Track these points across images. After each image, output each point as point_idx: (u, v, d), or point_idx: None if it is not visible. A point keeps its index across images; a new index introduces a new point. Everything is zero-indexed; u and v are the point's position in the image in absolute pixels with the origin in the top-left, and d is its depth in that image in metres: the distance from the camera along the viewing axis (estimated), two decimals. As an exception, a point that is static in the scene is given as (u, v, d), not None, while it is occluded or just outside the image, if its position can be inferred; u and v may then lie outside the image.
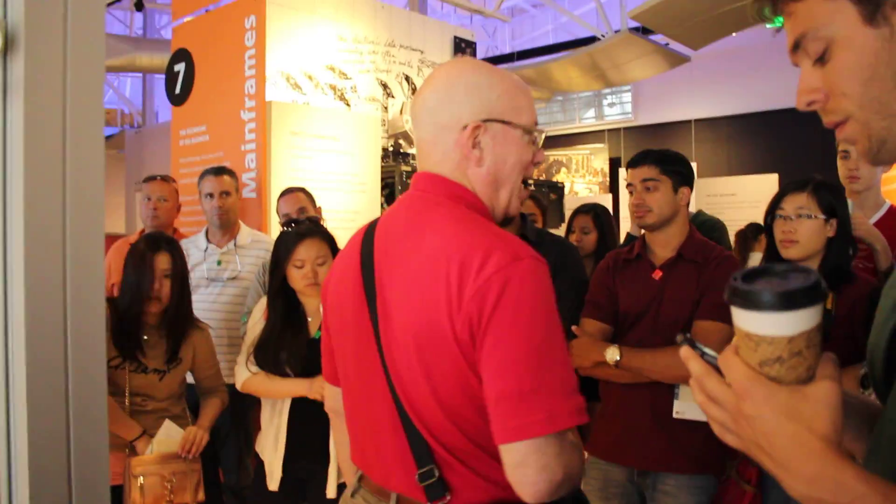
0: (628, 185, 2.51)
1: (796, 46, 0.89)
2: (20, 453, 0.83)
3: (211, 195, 3.60)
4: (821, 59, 0.87)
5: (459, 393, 1.25)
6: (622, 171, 9.96)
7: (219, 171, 3.66)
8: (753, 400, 0.79)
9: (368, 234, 1.42)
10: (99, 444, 0.92)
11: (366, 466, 1.43)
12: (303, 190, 3.64)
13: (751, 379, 0.79)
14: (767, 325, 0.77)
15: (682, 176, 2.46)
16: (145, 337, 2.68)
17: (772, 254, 2.52)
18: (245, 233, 3.71)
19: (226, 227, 3.65)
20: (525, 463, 1.20)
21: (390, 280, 1.32)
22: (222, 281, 3.57)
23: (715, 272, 2.36)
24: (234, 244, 3.65)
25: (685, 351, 0.87)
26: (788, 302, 0.76)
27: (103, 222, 0.89)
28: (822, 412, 0.77)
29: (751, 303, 0.78)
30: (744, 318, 0.80)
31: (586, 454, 2.58)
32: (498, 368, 1.20)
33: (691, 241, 2.46)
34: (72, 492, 0.84)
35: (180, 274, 2.72)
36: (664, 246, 2.48)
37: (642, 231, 2.57)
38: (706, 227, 3.28)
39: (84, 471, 0.87)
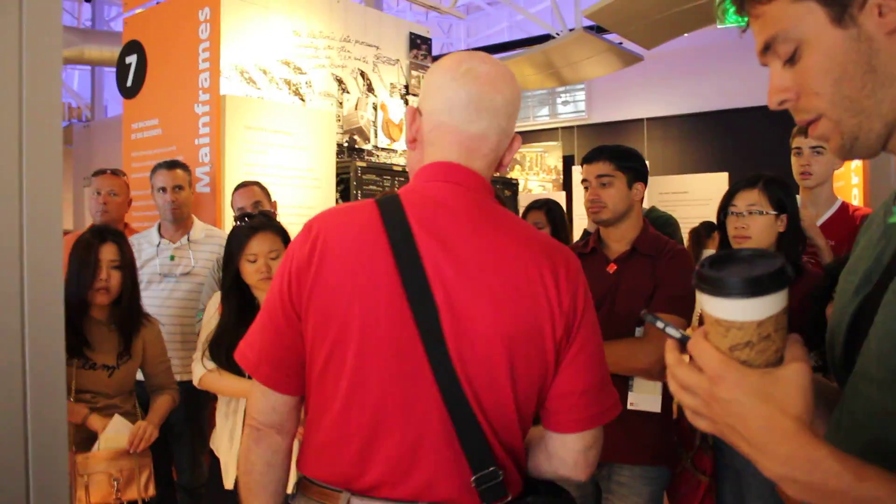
0: (583, 181, 2.54)
1: (766, 48, 0.92)
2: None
3: (164, 189, 3.55)
4: (790, 60, 0.90)
5: (536, 392, 1.32)
6: (576, 169, 10.06)
7: (172, 165, 3.61)
8: (726, 384, 0.81)
9: (394, 220, 1.30)
10: (58, 447, 0.91)
11: (378, 479, 1.28)
12: (257, 184, 3.60)
13: (723, 363, 0.81)
14: (737, 311, 0.80)
15: (636, 172, 2.50)
16: (94, 332, 2.63)
17: (725, 248, 2.58)
18: (199, 227, 3.66)
19: (179, 221, 3.60)
20: (593, 446, 1.35)
21: (458, 275, 1.27)
22: (175, 277, 3.53)
23: (669, 265, 2.41)
24: (188, 239, 3.60)
25: (669, 343, 0.89)
26: (757, 287, 0.78)
27: (61, 217, 0.89)
28: (794, 393, 0.79)
29: (720, 289, 0.80)
30: (713, 305, 0.82)
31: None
32: (587, 363, 1.33)
33: (645, 236, 2.51)
34: (30, 494, 0.84)
35: (129, 265, 2.68)
36: (619, 240, 2.53)
37: (596, 226, 2.61)
38: (659, 223, 3.34)
39: (42, 474, 0.86)
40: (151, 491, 2.52)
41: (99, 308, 2.63)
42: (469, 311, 1.26)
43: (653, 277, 2.41)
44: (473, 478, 1.25)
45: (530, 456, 1.41)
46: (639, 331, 2.39)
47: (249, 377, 2.49)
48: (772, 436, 0.78)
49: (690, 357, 0.86)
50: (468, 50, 1.50)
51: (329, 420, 1.30)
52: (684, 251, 2.50)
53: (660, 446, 2.45)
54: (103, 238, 2.61)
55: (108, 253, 2.59)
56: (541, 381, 1.32)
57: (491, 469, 1.26)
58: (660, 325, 0.89)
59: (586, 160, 2.56)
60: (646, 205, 3.51)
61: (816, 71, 0.87)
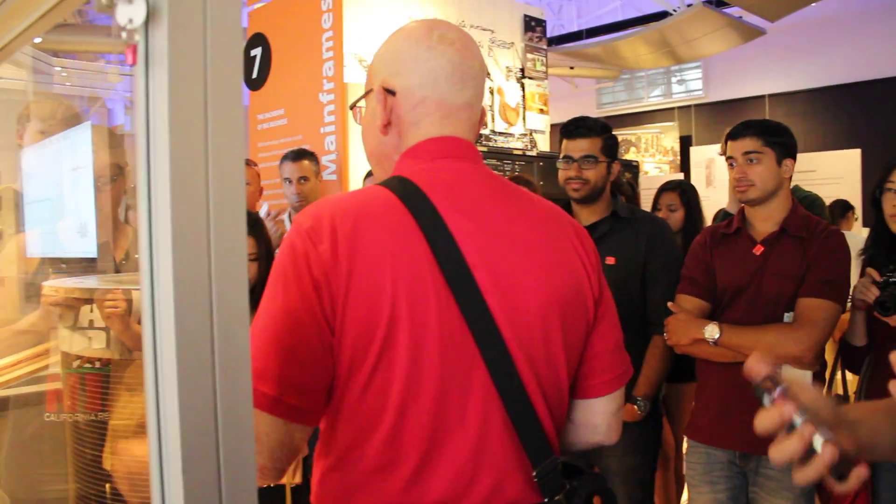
0: (728, 158, 2.41)
1: None
2: (171, 433, 0.83)
3: (289, 180, 3.63)
4: None
5: (579, 355, 1.26)
6: (694, 150, 9.74)
7: (298, 156, 3.67)
8: None
9: (419, 206, 1.14)
10: (244, 413, 0.92)
11: (443, 494, 1.12)
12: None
13: None
14: None
15: (785, 147, 2.37)
16: None
17: (880, 229, 2.41)
18: None
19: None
20: (622, 406, 1.32)
21: (497, 252, 1.16)
22: None
23: (821, 247, 2.27)
24: None
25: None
26: None
27: (244, 190, 0.88)
28: None
29: None
30: None
31: (685, 438, 2.52)
32: (612, 320, 1.30)
33: (795, 216, 2.36)
34: (220, 468, 0.84)
35: (265, 255, 2.73)
36: (766, 220, 2.39)
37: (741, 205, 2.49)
38: (805, 204, 3.16)
39: (230, 438, 0.87)
40: (298, 479, 2.56)
41: None
42: (517, 287, 1.16)
43: (804, 260, 2.28)
44: (535, 472, 1.14)
45: (574, 427, 1.33)
46: (787, 316, 2.27)
47: None
48: None
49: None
50: (434, 19, 1.37)
51: (376, 443, 1.11)
52: (838, 232, 2.35)
53: None
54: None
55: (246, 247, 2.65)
56: (583, 343, 1.26)
57: (550, 460, 1.15)
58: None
59: (731, 136, 2.42)
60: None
61: None
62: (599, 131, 2.74)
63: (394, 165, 1.27)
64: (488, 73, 5.56)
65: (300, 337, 1.07)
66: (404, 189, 1.16)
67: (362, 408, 1.10)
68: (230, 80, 0.90)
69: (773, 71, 11.33)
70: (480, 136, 5.42)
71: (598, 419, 1.30)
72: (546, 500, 1.14)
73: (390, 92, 1.25)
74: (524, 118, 5.88)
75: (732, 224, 2.47)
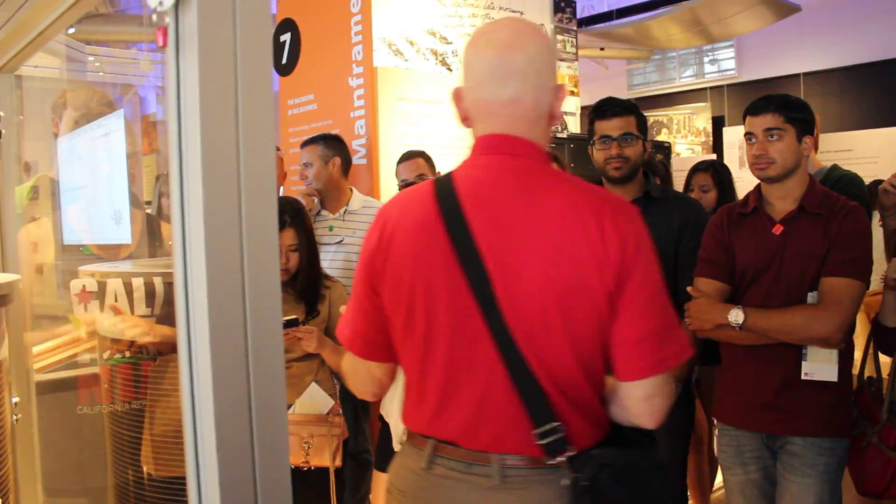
0: (747, 135, 2.35)
1: None
2: (206, 420, 0.84)
3: (302, 166, 3.78)
4: None
5: (596, 341, 1.36)
6: (727, 130, 9.61)
7: (307, 143, 3.79)
8: None
9: (445, 196, 1.40)
10: (278, 398, 0.92)
11: (455, 434, 1.41)
12: (423, 154, 3.66)
13: None
14: None
15: (806, 124, 2.31)
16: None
17: (915, 208, 2.37)
18: (357, 199, 3.76)
19: (325, 194, 3.74)
20: (657, 394, 1.37)
21: (507, 242, 1.34)
22: (332, 246, 3.63)
23: (843, 224, 2.22)
24: (346, 211, 3.71)
25: None
26: None
27: (274, 173, 0.88)
28: None
29: None
30: None
31: (715, 421, 2.50)
32: (642, 310, 1.35)
33: (813, 193, 2.31)
34: (254, 444, 0.85)
35: (307, 244, 2.76)
36: (784, 199, 2.34)
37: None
38: (843, 182, 3.10)
39: (264, 425, 0.87)
40: (339, 462, 2.59)
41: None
42: (518, 273, 1.33)
43: (825, 239, 2.23)
44: (535, 432, 1.33)
45: (609, 405, 1.44)
46: (811, 296, 2.23)
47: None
48: None
49: None
50: (502, 18, 1.54)
51: (412, 380, 1.47)
52: (859, 208, 2.29)
53: (835, 417, 2.28)
54: (283, 224, 2.68)
55: (287, 238, 2.68)
56: (601, 334, 1.36)
57: (551, 424, 1.33)
58: None
59: (751, 111, 2.36)
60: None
61: None
62: (632, 109, 2.72)
63: None
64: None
65: (359, 298, 1.49)
66: (442, 184, 1.42)
67: (403, 354, 1.47)
68: (260, 60, 0.90)
69: (808, 48, 11.11)
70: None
71: (629, 402, 1.39)
72: (547, 459, 1.33)
73: (461, 92, 1.47)
74: (554, 100, 5.83)
75: (749, 203, 2.42)
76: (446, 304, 1.37)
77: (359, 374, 1.57)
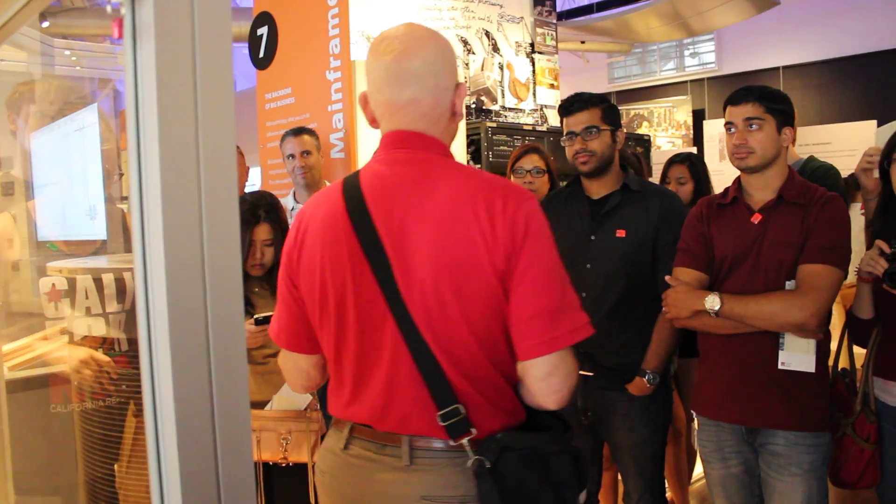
0: (727, 124, 2.36)
1: None
2: (167, 413, 0.83)
3: (293, 156, 3.70)
4: None
5: (493, 321, 1.40)
6: (707, 123, 9.65)
7: (298, 132, 3.73)
8: None
9: (351, 191, 1.48)
10: (240, 398, 0.91)
11: (367, 417, 1.48)
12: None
13: None
14: None
15: (786, 115, 2.32)
16: (255, 289, 2.70)
17: (888, 200, 2.38)
18: None
19: (311, 186, 3.72)
20: (554, 373, 1.40)
21: (403, 229, 1.41)
22: None
23: (821, 213, 2.23)
24: None
25: None
26: None
27: (235, 167, 0.87)
28: None
29: None
30: None
31: (694, 414, 2.51)
32: (532, 288, 1.39)
33: (792, 183, 2.32)
34: (217, 443, 0.84)
35: (281, 238, 2.74)
36: (763, 189, 2.35)
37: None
38: (820, 173, 3.12)
39: (227, 424, 0.86)
40: (317, 457, 2.58)
41: (254, 271, 2.70)
42: (414, 258, 1.39)
43: (803, 227, 2.23)
44: (438, 414, 1.39)
45: (520, 389, 1.48)
46: (789, 284, 2.23)
47: None
48: None
49: None
50: (400, 25, 1.58)
51: (331, 368, 1.55)
52: (837, 197, 2.29)
53: (817, 410, 2.28)
54: (258, 218, 2.65)
55: (261, 234, 2.66)
56: (495, 308, 1.40)
57: (452, 406, 1.38)
58: None
59: (732, 101, 2.37)
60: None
61: None
62: (597, 102, 2.73)
63: None
64: (499, 49, 5.53)
65: (282, 293, 1.59)
66: (349, 181, 1.52)
67: (322, 343, 1.55)
68: (219, 51, 0.88)
69: (788, 42, 11.19)
70: (490, 111, 5.39)
71: (529, 382, 1.44)
72: (451, 441, 1.39)
73: (367, 96, 1.56)
74: (534, 93, 5.84)
75: (728, 194, 2.42)
76: (353, 292, 1.44)
77: (288, 367, 1.67)
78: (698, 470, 3.80)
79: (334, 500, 1.56)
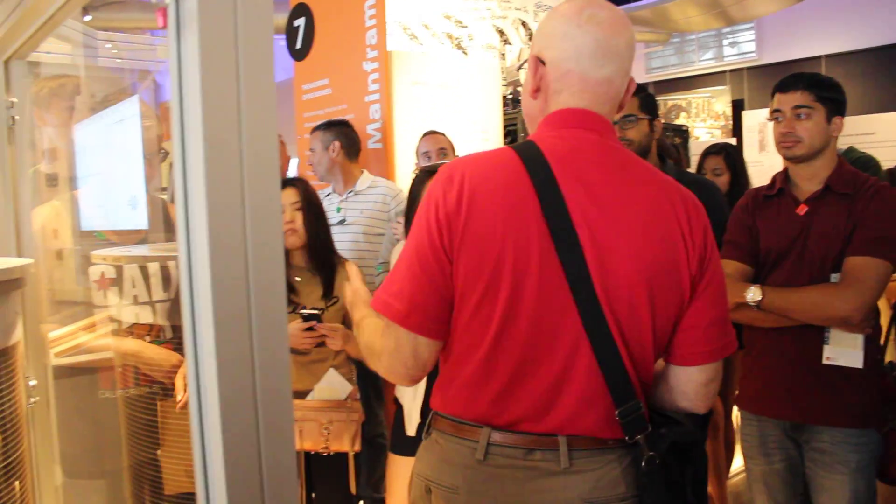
0: (775, 112, 2.30)
1: None
2: (211, 406, 0.84)
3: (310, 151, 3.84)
4: None
5: (671, 327, 1.38)
6: (746, 114, 9.50)
7: (312, 130, 3.86)
8: None
9: (535, 164, 1.33)
10: (283, 388, 0.92)
11: (520, 415, 1.34)
12: (443, 135, 3.70)
13: None
14: None
15: (836, 104, 2.26)
16: (297, 278, 2.72)
17: (940, 189, 2.32)
18: (364, 180, 3.77)
19: (332, 179, 3.79)
20: (715, 379, 1.41)
21: (599, 215, 1.32)
22: (336, 227, 3.66)
23: (870, 204, 2.16)
24: (351, 192, 3.74)
25: None
26: None
27: (277, 156, 0.88)
28: None
29: None
30: None
31: (735, 409, 2.47)
32: (714, 297, 1.39)
33: (840, 173, 2.26)
34: (259, 433, 0.85)
35: (313, 206, 2.75)
36: (810, 179, 2.29)
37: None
38: (859, 164, 3.06)
39: (270, 413, 0.87)
40: (358, 446, 2.60)
41: (295, 254, 2.72)
42: (612, 249, 1.31)
43: (851, 218, 2.17)
44: (618, 411, 1.32)
45: (655, 388, 1.46)
46: (834, 277, 2.18)
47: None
48: None
49: None
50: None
51: (475, 360, 1.35)
52: (887, 187, 2.23)
53: (864, 406, 2.21)
54: (283, 185, 2.68)
55: (288, 196, 2.68)
56: (676, 316, 1.38)
57: (633, 402, 1.33)
58: None
59: (780, 88, 2.31)
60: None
61: None
62: (635, 91, 2.69)
63: (537, 127, 1.46)
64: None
65: (425, 266, 1.33)
66: (528, 152, 1.35)
67: (469, 331, 1.34)
68: (261, 40, 0.89)
69: (830, 30, 10.95)
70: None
71: (689, 387, 1.41)
72: (627, 437, 1.33)
73: (542, 62, 1.43)
74: (571, 84, 5.79)
75: (775, 185, 2.38)
76: (536, 274, 1.29)
77: (402, 354, 1.38)
78: (736, 465, 3.76)
79: None
